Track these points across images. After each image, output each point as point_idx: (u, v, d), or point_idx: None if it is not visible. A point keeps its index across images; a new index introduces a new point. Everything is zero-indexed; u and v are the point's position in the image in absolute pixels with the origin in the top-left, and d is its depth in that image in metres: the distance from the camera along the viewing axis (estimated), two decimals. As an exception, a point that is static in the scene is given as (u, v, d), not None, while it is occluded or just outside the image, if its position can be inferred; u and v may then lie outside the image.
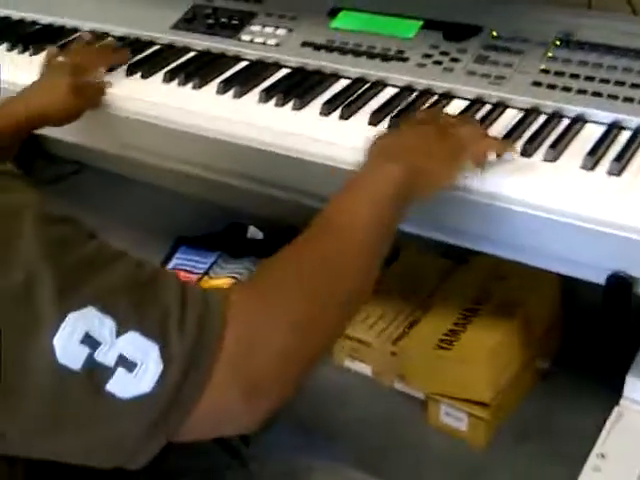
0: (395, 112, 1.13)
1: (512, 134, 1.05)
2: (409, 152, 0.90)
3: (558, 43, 1.17)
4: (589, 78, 1.11)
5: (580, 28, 1.17)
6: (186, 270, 1.87)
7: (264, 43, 1.33)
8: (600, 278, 0.98)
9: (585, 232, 0.94)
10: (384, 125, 1.11)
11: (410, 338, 1.51)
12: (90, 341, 0.61)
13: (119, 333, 0.62)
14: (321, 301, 0.74)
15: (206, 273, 1.83)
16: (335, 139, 1.10)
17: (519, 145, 1.03)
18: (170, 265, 1.90)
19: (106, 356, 0.61)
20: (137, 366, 0.62)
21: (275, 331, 0.69)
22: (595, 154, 1.00)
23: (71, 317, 0.61)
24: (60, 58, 1.31)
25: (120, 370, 0.62)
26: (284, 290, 0.72)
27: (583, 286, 1.04)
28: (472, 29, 1.22)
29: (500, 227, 1.02)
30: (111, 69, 1.34)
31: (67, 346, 0.60)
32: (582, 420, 1.47)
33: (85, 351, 0.61)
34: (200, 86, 1.26)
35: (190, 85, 1.27)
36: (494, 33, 1.21)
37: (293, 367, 0.71)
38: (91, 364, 0.61)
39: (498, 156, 1.01)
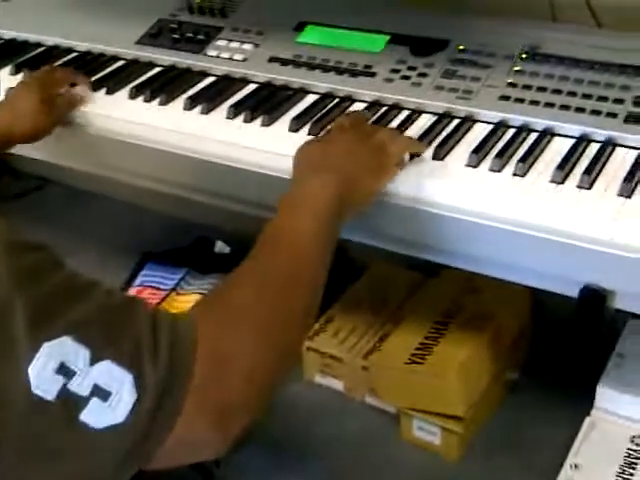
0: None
1: (481, 148, 1.05)
2: (339, 163, 0.94)
3: (524, 56, 1.17)
4: (556, 91, 1.11)
5: (545, 41, 1.18)
6: (153, 287, 1.85)
7: (231, 58, 1.32)
8: (573, 291, 0.98)
9: (557, 246, 0.94)
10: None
11: (381, 352, 1.50)
12: (65, 371, 0.61)
13: (93, 362, 0.62)
14: (281, 317, 0.76)
15: (173, 289, 1.81)
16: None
17: (489, 159, 1.03)
18: (136, 282, 1.87)
19: (81, 386, 0.61)
20: (111, 395, 0.62)
21: (241, 352, 0.71)
22: (564, 167, 1.00)
23: (46, 347, 0.60)
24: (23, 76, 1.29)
25: (94, 400, 0.62)
26: (246, 311, 0.74)
27: (552, 297, 1.05)
28: (439, 43, 1.23)
29: (470, 242, 1.01)
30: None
31: (41, 376, 0.60)
32: (553, 431, 1.47)
33: (60, 381, 0.61)
34: (167, 102, 1.25)
35: (157, 101, 1.26)
36: (460, 47, 1.21)
37: (260, 385, 0.72)
38: (65, 394, 0.61)
39: (417, 156, 1.04)
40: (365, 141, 0.99)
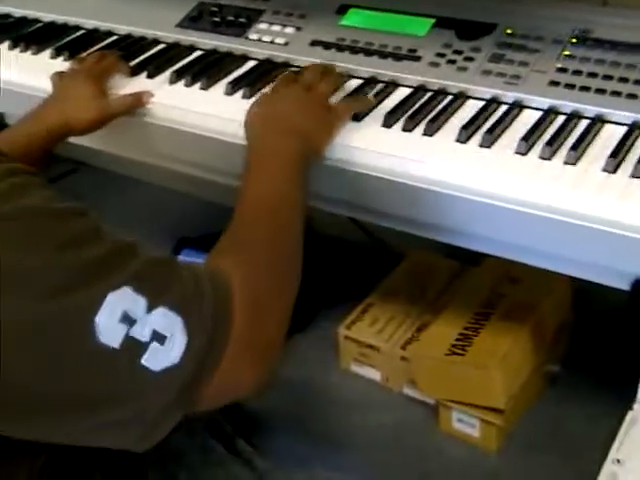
0: (409, 113, 1.10)
1: (530, 136, 1.02)
2: (294, 122, 1.01)
3: (574, 41, 1.14)
4: (607, 77, 1.08)
5: (596, 25, 1.15)
6: (189, 272, 1.84)
7: (272, 42, 1.30)
8: (623, 284, 0.95)
9: (608, 237, 0.91)
10: (398, 126, 1.09)
11: (421, 342, 1.49)
12: (127, 319, 0.65)
13: (150, 309, 0.66)
14: (287, 261, 0.86)
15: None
16: (347, 141, 1.08)
17: (539, 147, 1.00)
18: (173, 267, 1.87)
19: (142, 332, 0.66)
20: (167, 339, 0.67)
21: (271, 295, 0.80)
22: (617, 156, 0.97)
23: (110, 297, 0.64)
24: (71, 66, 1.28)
25: (153, 344, 0.66)
26: (264, 260, 0.82)
27: (594, 288, 1.02)
28: (486, 27, 1.19)
29: (517, 231, 0.99)
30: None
31: (108, 325, 0.64)
32: (594, 425, 1.45)
33: (123, 329, 0.65)
34: (208, 86, 1.23)
35: (197, 85, 1.24)
36: (508, 31, 1.18)
37: (285, 323, 0.81)
38: (129, 341, 0.65)
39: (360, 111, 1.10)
40: (313, 97, 1.07)
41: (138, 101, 1.22)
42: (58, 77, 1.25)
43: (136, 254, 0.69)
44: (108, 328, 0.64)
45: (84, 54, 1.36)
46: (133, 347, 0.66)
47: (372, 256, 1.83)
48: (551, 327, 1.49)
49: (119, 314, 0.65)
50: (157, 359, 0.67)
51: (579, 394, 1.51)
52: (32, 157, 1.11)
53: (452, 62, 1.16)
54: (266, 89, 1.16)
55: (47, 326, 0.62)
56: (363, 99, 1.13)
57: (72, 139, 1.36)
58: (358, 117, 1.10)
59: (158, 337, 0.66)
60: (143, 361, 0.66)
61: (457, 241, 1.10)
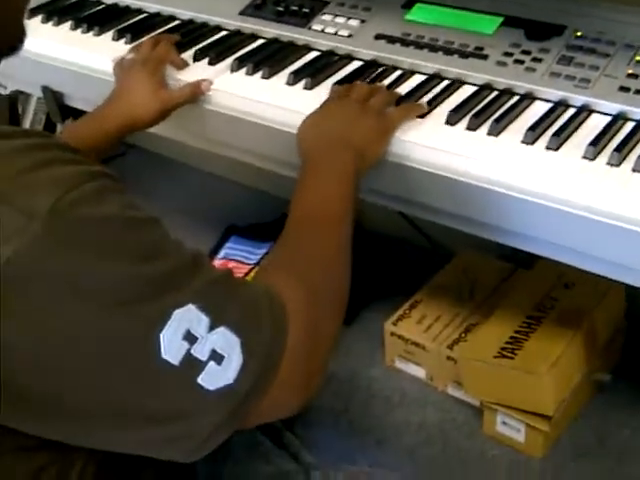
0: (474, 112, 1.09)
1: (599, 141, 1.00)
2: (348, 136, 1.00)
3: (647, 47, 1.12)
4: (679, 85, 1.06)
5: (669, 31, 1.12)
6: (237, 260, 1.85)
7: (336, 33, 1.29)
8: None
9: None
10: (462, 124, 1.07)
11: (469, 343, 1.47)
12: (190, 337, 0.65)
13: (211, 329, 0.66)
14: (336, 286, 0.84)
15: (257, 264, 1.80)
16: (406, 137, 1.07)
17: (607, 153, 0.98)
18: (220, 254, 1.88)
19: (202, 351, 0.66)
20: (224, 359, 0.67)
21: (325, 322, 0.79)
22: (689, 166, 0.95)
23: (177, 314, 0.64)
24: (130, 56, 1.28)
25: (211, 364, 0.66)
26: (315, 282, 0.81)
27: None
28: (555, 28, 1.17)
29: (574, 235, 0.97)
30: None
31: (172, 341, 0.64)
32: (640, 435, 1.43)
33: (185, 346, 0.65)
34: (270, 76, 1.23)
35: (259, 74, 1.23)
36: (578, 33, 1.16)
37: (331, 352, 0.81)
38: (188, 358, 0.65)
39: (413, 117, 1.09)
40: (365, 109, 1.05)
41: (197, 89, 1.22)
42: (119, 68, 1.26)
43: (201, 269, 0.69)
44: (172, 345, 0.64)
45: (145, 38, 1.36)
46: (192, 366, 0.65)
47: (422, 253, 1.82)
48: (603, 335, 1.46)
49: (183, 331, 0.65)
50: (213, 379, 0.66)
51: (627, 403, 1.48)
52: (99, 156, 1.13)
53: (520, 62, 1.15)
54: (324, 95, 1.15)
55: (112, 338, 0.62)
56: (416, 106, 1.11)
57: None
58: (422, 114, 1.09)
59: (216, 357, 0.66)
60: (199, 380, 0.66)
61: (515, 243, 1.08)
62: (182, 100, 1.21)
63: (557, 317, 1.43)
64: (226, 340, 0.67)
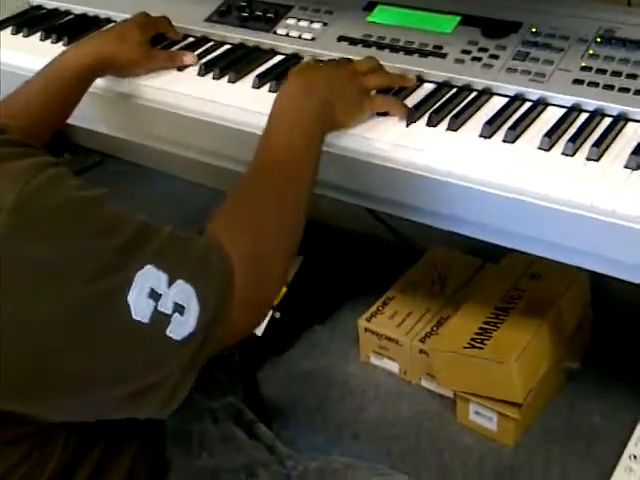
0: (433, 108, 1.12)
1: (554, 132, 1.04)
2: (323, 86, 1.04)
3: (599, 40, 1.15)
4: (631, 76, 1.09)
5: (621, 25, 1.16)
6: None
7: (300, 37, 1.32)
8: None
9: (631, 232, 0.92)
10: (423, 121, 1.10)
11: (440, 336, 1.50)
12: (154, 295, 0.70)
13: (170, 283, 0.71)
14: (284, 220, 0.90)
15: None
16: (368, 134, 1.10)
17: (562, 143, 1.02)
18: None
19: (166, 305, 0.70)
20: (185, 309, 0.72)
21: (274, 261, 0.86)
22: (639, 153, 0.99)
23: (138, 276, 0.69)
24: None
25: (175, 315, 0.71)
26: (260, 218, 0.88)
27: (613, 285, 1.03)
28: (511, 25, 1.21)
29: (538, 225, 1.00)
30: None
31: (139, 302, 0.69)
32: (611, 421, 1.47)
33: (151, 304, 0.69)
34: (236, 80, 1.25)
35: (226, 78, 1.26)
36: (533, 29, 1.19)
37: (283, 279, 0.89)
38: (156, 314, 0.70)
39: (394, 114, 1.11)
40: (354, 78, 1.09)
41: (178, 58, 1.30)
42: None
43: (151, 231, 0.74)
44: (139, 305, 0.69)
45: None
46: (160, 320, 0.70)
47: (394, 251, 1.85)
48: (570, 323, 1.50)
49: (147, 291, 0.69)
50: (179, 329, 0.71)
51: (597, 390, 1.52)
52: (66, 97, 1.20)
53: (477, 59, 1.18)
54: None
55: (84, 314, 0.66)
56: (403, 106, 1.11)
57: (102, 128, 1.40)
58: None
59: (179, 308, 0.71)
60: (168, 332, 0.71)
61: (476, 234, 1.11)
62: (160, 59, 1.29)
63: (525, 307, 1.46)
64: (184, 292, 0.72)
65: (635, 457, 1.31)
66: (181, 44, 1.39)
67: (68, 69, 1.19)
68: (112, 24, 1.34)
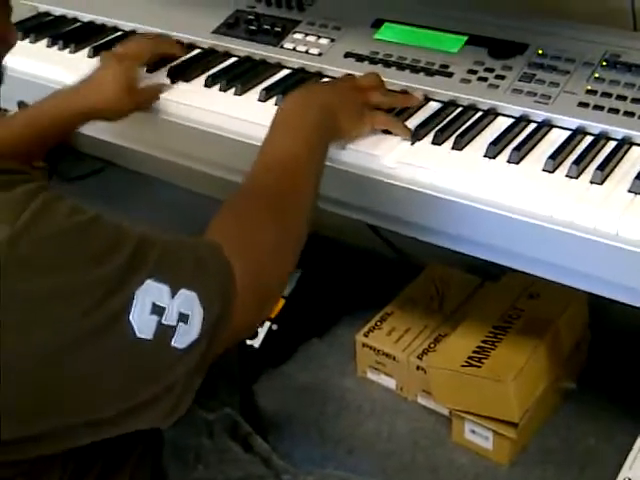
0: (439, 127, 1.13)
1: (558, 154, 1.05)
2: (327, 99, 1.05)
3: (604, 64, 1.16)
4: (636, 100, 1.10)
5: (627, 50, 1.17)
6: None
7: (307, 52, 1.32)
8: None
9: (631, 256, 0.93)
10: (428, 139, 1.11)
11: (438, 353, 1.51)
12: (157, 309, 0.69)
13: (173, 294, 0.70)
14: (291, 227, 0.90)
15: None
16: (373, 151, 1.10)
17: (566, 166, 1.02)
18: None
19: (171, 317, 0.70)
20: (189, 317, 0.71)
21: (273, 259, 0.85)
22: (643, 178, 0.99)
23: (138, 294, 0.68)
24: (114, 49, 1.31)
25: (180, 325, 0.71)
26: (260, 227, 0.86)
27: (611, 307, 1.04)
28: (518, 46, 1.22)
29: (541, 247, 1.01)
30: (153, 69, 1.34)
31: (142, 319, 0.68)
32: (606, 443, 1.47)
33: (155, 319, 0.69)
34: (242, 92, 1.26)
35: (232, 91, 1.27)
36: (540, 51, 1.20)
37: (285, 281, 0.90)
38: (161, 329, 0.69)
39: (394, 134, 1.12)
40: (356, 91, 1.11)
41: (157, 93, 1.28)
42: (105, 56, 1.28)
43: (148, 244, 0.72)
44: (142, 323, 0.68)
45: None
46: (165, 333, 0.70)
47: (393, 266, 1.86)
48: (568, 344, 1.50)
49: (149, 307, 0.68)
50: (184, 338, 0.71)
51: (592, 411, 1.52)
52: (46, 142, 1.19)
53: (483, 79, 1.19)
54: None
55: (89, 339, 0.65)
56: (404, 127, 1.12)
57: (106, 136, 1.40)
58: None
59: (183, 317, 0.71)
60: (173, 343, 0.70)
61: (478, 253, 1.11)
62: (144, 100, 1.26)
63: (523, 327, 1.47)
64: (187, 299, 0.71)
65: (630, 480, 1.31)
66: (188, 55, 1.39)
67: (51, 119, 1.18)
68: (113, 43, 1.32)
